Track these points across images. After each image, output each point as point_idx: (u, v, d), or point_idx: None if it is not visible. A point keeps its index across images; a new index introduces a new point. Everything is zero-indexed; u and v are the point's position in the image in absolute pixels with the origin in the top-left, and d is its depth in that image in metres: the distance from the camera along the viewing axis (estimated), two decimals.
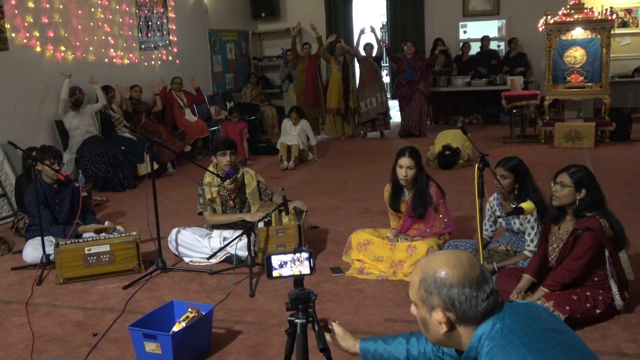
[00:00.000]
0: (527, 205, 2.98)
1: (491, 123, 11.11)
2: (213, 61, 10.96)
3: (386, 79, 12.17)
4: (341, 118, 10.38)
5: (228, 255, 4.35)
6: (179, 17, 9.89)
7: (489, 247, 4.06)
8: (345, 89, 10.16)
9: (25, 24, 6.87)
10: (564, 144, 8.39)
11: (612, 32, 8.66)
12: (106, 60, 8.22)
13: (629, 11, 10.81)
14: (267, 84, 12.15)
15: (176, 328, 3.00)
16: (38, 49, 7.06)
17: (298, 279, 2.03)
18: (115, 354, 3.10)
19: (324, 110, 10.53)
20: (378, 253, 4.14)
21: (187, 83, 9.35)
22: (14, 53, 6.71)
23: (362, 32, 10.15)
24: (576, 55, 8.69)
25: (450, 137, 7.49)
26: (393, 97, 11.58)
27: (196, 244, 4.44)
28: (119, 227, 4.88)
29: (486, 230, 4.09)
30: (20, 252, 4.70)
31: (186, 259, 4.48)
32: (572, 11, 8.60)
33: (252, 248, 4.01)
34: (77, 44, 7.68)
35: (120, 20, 8.52)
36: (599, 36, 8.47)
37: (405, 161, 4.10)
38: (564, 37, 8.69)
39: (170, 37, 9.69)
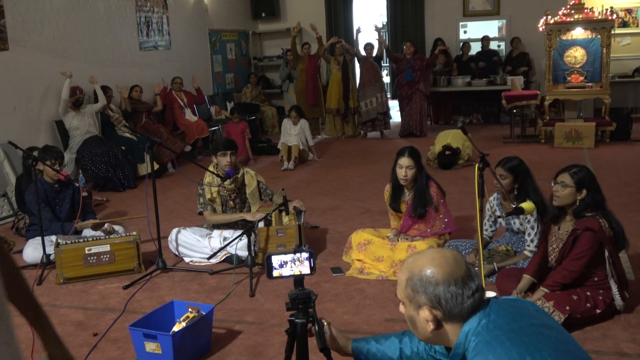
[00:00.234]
0: (527, 205, 2.98)
1: (491, 123, 11.11)
2: (213, 61, 10.96)
3: (386, 79, 12.17)
4: (341, 118, 10.38)
5: (228, 255, 4.35)
6: (179, 17, 9.89)
7: (489, 247, 4.06)
8: (345, 89, 10.16)
9: (26, 23, 6.87)
10: (564, 144, 8.39)
11: (613, 32, 8.66)
12: (106, 60, 8.22)
13: (629, 11, 10.81)
14: (267, 84, 12.15)
15: (176, 328, 3.00)
16: (38, 49, 7.05)
17: (298, 279, 2.03)
18: (115, 354, 3.10)
19: (324, 110, 10.53)
20: (378, 253, 4.14)
21: (188, 83, 9.35)
22: (14, 53, 6.70)
23: (358, 31, 10.19)
24: (576, 55, 8.69)
25: (451, 137, 7.49)
26: (393, 97, 11.58)
27: (196, 244, 4.44)
28: (116, 227, 4.88)
29: (486, 230, 4.09)
30: (21, 252, 4.70)
31: (186, 259, 4.48)
32: (572, 11, 8.60)
33: (252, 248, 4.01)
34: (78, 43, 7.68)
35: (121, 20, 8.52)
36: (599, 36, 8.47)
37: (405, 161, 4.10)
38: (564, 37, 8.68)
39: (170, 37, 9.69)
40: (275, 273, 2.01)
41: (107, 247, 4.22)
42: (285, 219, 4.49)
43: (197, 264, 4.40)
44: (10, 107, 6.71)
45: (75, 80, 7.19)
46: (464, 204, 5.52)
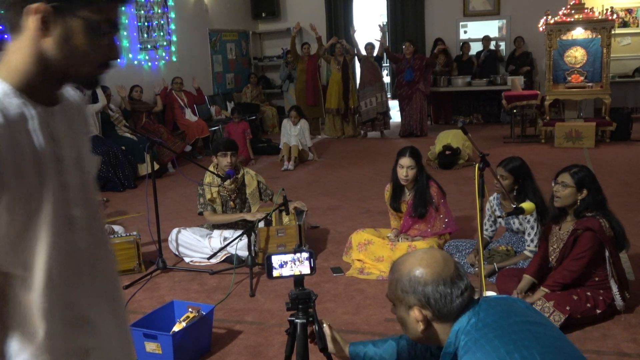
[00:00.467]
0: (527, 205, 2.98)
1: (491, 123, 11.11)
2: (213, 61, 10.96)
3: (386, 79, 12.17)
4: (341, 118, 10.38)
5: (228, 255, 4.35)
6: (179, 17, 9.89)
7: (489, 247, 4.06)
8: (345, 89, 10.16)
9: None
10: (565, 144, 8.39)
11: (613, 32, 8.66)
12: None
13: (629, 11, 10.81)
14: (267, 84, 12.15)
15: (176, 328, 3.00)
16: None
17: (298, 279, 2.03)
18: None
19: (324, 110, 10.53)
20: (378, 253, 4.14)
21: (188, 83, 9.35)
22: None
23: (354, 31, 10.29)
24: (576, 55, 8.69)
25: (451, 137, 7.49)
26: (393, 97, 11.58)
27: (196, 244, 4.44)
28: (116, 228, 4.88)
29: (486, 230, 4.09)
30: None
31: (186, 259, 4.48)
32: (573, 11, 8.60)
33: (252, 248, 4.01)
34: None
35: (121, 20, 8.51)
36: (599, 36, 8.47)
37: (406, 161, 4.10)
38: (564, 37, 8.68)
39: (171, 37, 9.69)
40: (275, 273, 2.01)
41: None
42: (285, 219, 4.49)
43: (197, 264, 4.40)
44: None
45: None
46: (464, 204, 5.52)
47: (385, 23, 11.80)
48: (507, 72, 10.78)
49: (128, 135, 7.68)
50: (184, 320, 3.00)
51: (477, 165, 2.90)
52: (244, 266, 4.11)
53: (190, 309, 3.05)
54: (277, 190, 4.48)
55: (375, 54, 10.00)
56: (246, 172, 4.59)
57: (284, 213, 4.36)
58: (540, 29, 8.89)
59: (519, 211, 2.99)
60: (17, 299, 1.17)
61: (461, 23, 11.68)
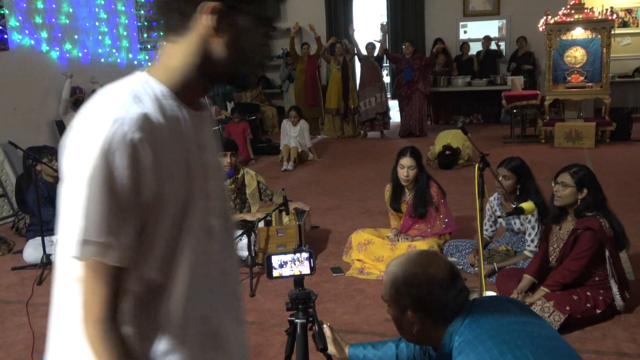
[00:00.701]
0: (527, 205, 2.98)
1: (491, 123, 11.10)
2: None
3: (387, 79, 12.17)
4: (340, 118, 10.38)
5: None
6: None
7: (489, 247, 4.06)
8: (345, 89, 10.16)
9: (26, 23, 6.87)
10: (565, 144, 8.39)
11: (613, 32, 8.66)
12: (106, 60, 8.22)
13: (629, 11, 10.81)
14: (267, 84, 12.15)
15: None
16: (39, 49, 7.05)
17: (298, 279, 2.03)
18: None
19: (323, 110, 10.53)
20: (378, 253, 4.14)
21: None
22: (14, 53, 6.70)
23: (352, 31, 10.26)
24: (576, 55, 8.69)
25: (451, 137, 7.49)
26: (393, 97, 11.58)
27: None
28: None
29: (486, 230, 4.09)
30: (21, 252, 4.70)
31: None
32: (573, 11, 8.60)
33: (252, 248, 4.01)
34: (78, 44, 7.68)
35: (121, 20, 8.52)
36: (599, 36, 8.47)
37: (406, 161, 4.10)
38: (564, 37, 8.68)
39: None
40: (275, 273, 2.01)
41: None
42: (285, 219, 4.49)
43: None
44: (10, 107, 6.71)
45: (75, 80, 7.19)
46: (464, 204, 5.52)
47: (385, 23, 11.79)
48: (508, 71, 10.77)
49: None
50: None
51: (477, 165, 2.90)
52: (243, 266, 4.10)
53: None
54: (277, 190, 4.48)
55: (375, 54, 10.00)
56: (246, 172, 4.59)
57: (284, 213, 4.36)
58: (540, 29, 8.89)
59: (519, 211, 2.99)
60: (157, 310, 1.14)
61: (461, 23, 11.68)
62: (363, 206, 5.83)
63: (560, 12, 8.69)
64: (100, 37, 8.10)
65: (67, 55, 7.49)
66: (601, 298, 3.16)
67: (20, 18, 6.79)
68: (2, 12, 6.54)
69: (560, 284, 3.17)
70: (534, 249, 3.72)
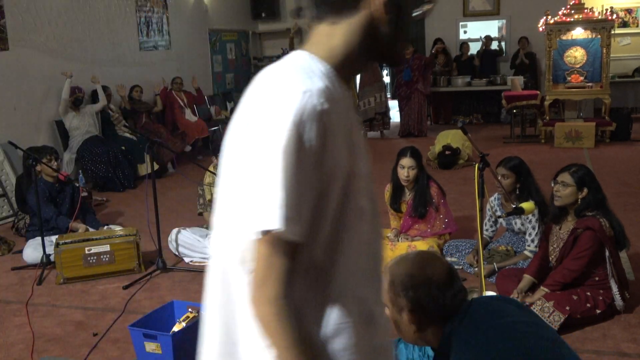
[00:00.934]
0: (527, 205, 2.98)
1: (491, 123, 11.10)
2: (213, 61, 10.96)
3: (386, 79, 12.17)
4: None
5: None
6: (179, 17, 9.88)
7: (489, 247, 4.06)
8: None
9: (26, 23, 6.87)
10: (564, 144, 8.39)
11: (613, 32, 8.66)
12: (106, 60, 8.21)
13: (629, 11, 10.80)
14: None
15: (176, 328, 3.00)
16: (38, 49, 7.05)
17: None
18: (115, 354, 3.10)
19: None
20: None
21: (188, 83, 9.34)
22: (14, 53, 6.70)
23: None
24: (576, 55, 8.69)
25: (451, 137, 7.49)
26: (393, 97, 11.58)
27: (196, 244, 4.44)
28: (114, 227, 4.88)
29: (486, 230, 4.09)
30: (21, 252, 4.70)
31: (186, 259, 4.48)
32: (572, 11, 8.60)
33: None
34: (78, 43, 7.67)
35: (120, 20, 8.52)
36: (599, 36, 8.47)
37: (406, 161, 4.10)
38: (564, 37, 8.68)
39: (170, 37, 9.69)
40: None
41: (107, 247, 4.22)
42: None
43: (197, 264, 4.40)
44: (10, 107, 6.71)
45: (75, 80, 7.18)
46: (464, 204, 5.52)
47: None
48: (511, 69, 10.76)
49: (128, 135, 7.67)
50: (184, 321, 3.00)
51: (477, 165, 2.90)
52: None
53: (190, 309, 3.05)
54: None
55: None
56: None
57: None
58: (540, 29, 8.89)
59: (519, 211, 2.99)
60: (323, 290, 1.12)
61: (461, 23, 11.68)
62: None
63: (560, 12, 8.69)
64: (100, 37, 8.09)
65: (67, 55, 7.49)
66: (601, 298, 3.16)
67: (20, 18, 6.79)
68: (2, 11, 6.54)
69: (560, 284, 3.17)
70: (534, 249, 3.72)
